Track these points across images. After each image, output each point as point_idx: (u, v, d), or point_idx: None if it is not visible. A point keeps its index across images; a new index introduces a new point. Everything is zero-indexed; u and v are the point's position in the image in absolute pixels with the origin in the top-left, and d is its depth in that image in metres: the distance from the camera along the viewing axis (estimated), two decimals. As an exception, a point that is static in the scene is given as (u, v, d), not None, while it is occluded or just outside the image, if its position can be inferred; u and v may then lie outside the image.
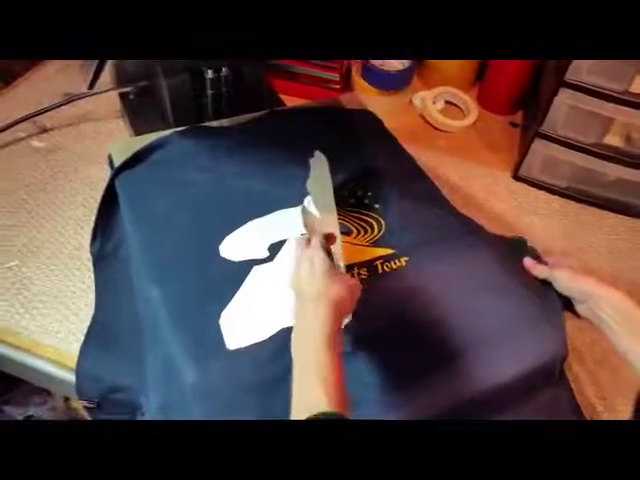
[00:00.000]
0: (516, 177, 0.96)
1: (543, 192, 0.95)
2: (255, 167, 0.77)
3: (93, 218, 0.75)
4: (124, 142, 0.84)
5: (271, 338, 0.60)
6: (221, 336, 0.60)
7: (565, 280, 0.66)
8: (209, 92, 0.86)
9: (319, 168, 0.72)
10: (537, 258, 0.72)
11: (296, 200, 0.71)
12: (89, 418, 0.68)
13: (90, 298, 0.71)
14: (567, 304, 0.66)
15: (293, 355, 0.49)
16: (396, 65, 1.02)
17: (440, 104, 1.09)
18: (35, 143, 0.92)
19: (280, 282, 0.62)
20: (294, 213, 0.69)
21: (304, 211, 0.66)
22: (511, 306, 0.65)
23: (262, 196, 0.73)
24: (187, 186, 0.74)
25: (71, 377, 0.64)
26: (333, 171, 0.72)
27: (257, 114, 0.88)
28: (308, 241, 0.60)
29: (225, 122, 0.87)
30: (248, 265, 0.66)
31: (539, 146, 0.90)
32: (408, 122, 1.05)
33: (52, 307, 0.71)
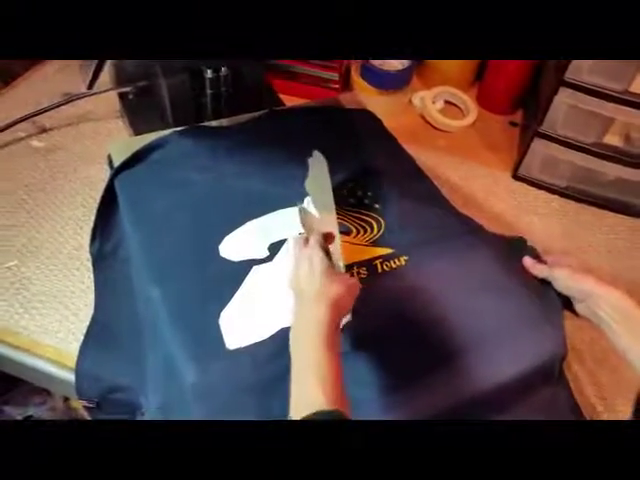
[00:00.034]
0: (516, 177, 0.96)
1: (543, 192, 0.95)
2: (254, 167, 0.77)
3: (92, 218, 0.75)
4: (123, 142, 0.84)
5: (271, 338, 0.60)
6: (221, 336, 0.60)
7: (564, 279, 0.66)
8: (208, 92, 0.86)
9: (318, 168, 0.72)
10: (537, 257, 0.72)
11: (296, 200, 0.70)
12: (89, 418, 0.68)
13: (89, 298, 0.71)
14: (566, 303, 0.66)
15: (292, 354, 0.49)
16: (395, 65, 1.02)
17: (440, 104, 1.09)
18: (34, 143, 0.92)
19: (280, 282, 0.62)
20: (294, 213, 0.69)
21: (302, 211, 0.66)
22: (510, 305, 0.65)
23: (262, 196, 0.73)
24: (186, 186, 0.74)
25: (71, 377, 0.64)
26: (333, 171, 0.72)
27: (256, 114, 0.88)
28: (306, 240, 0.60)
29: (224, 122, 0.87)
30: (248, 265, 0.66)
31: (539, 146, 0.90)
32: (407, 122, 1.05)
33: (51, 307, 0.71)
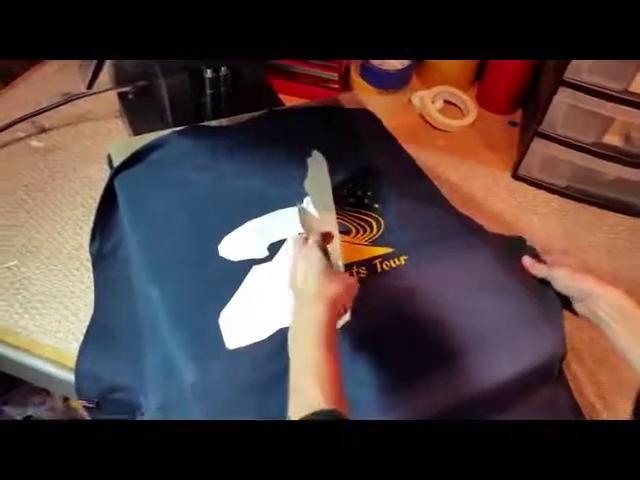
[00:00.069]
0: (515, 176, 0.96)
1: (542, 191, 0.95)
2: (254, 167, 0.77)
3: (92, 218, 0.75)
4: (123, 142, 0.84)
5: (270, 338, 0.60)
6: (220, 336, 0.60)
7: (564, 279, 0.65)
8: (208, 92, 0.86)
9: (317, 168, 0.72)
10: (536, 257, 0.72)
11: (295, 200, 0.70)
12: (88, 418, 0.68)
13: (89, 298, 0.71)
14: (566, 303, 0.66)
15: (290, 354, 0.49)
16: (395, 64, 1.02)
17: (439, 103, 1.09)
18: (34, 143, 0.92)
19: (279, 282, 0.62)
20: (293, 213, 0.69)
21: (302, 211, 0.66)
22: (510, 305, 0.65)
23: (261, 196, 0.73)
24: (186, 186, 0.74)
25: (70, 377, 0.64)
26: (332, 171, 0.72)
27: (256, 114, 0.88)
28: (305, 240, 0.60)
29: (224, 122, 0.86)
30: (247, 265, 0.66)
31: (538, 145, 0.90)
32: (407, 121, 1.05)
33: (51, 307, 0.71)
